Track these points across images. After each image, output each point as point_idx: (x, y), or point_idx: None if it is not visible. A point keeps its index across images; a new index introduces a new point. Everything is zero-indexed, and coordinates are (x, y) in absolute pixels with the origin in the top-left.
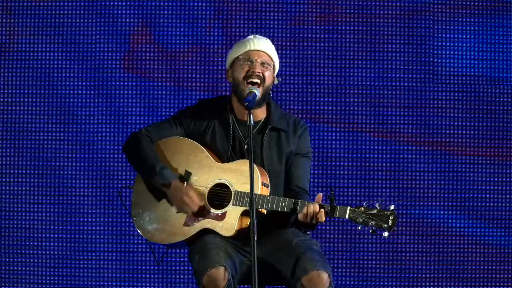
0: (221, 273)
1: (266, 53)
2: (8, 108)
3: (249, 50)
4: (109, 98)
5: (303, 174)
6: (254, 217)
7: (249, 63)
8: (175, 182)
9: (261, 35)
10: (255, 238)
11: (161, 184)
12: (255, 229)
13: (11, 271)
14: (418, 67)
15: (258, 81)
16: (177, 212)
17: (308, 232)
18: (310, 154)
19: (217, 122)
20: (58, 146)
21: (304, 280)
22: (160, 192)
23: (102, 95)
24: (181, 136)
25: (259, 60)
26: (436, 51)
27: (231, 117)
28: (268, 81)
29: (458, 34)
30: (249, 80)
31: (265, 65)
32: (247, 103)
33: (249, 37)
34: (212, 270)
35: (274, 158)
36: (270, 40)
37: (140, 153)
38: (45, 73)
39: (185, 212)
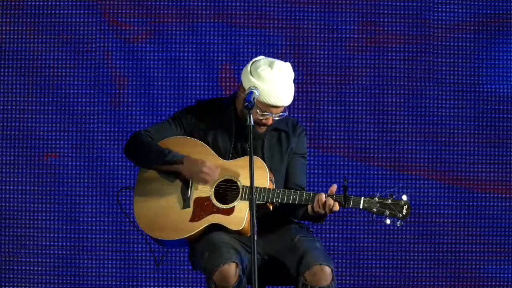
0: (232, 269)
1: (286, 106)
2: (7, 108)
3: (271, 105)
4: (109, 99)
5: (301, 173)
6: (254, 218)
7: (265, 114)
8: (188, 157)
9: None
10: (255, 238)
11: (174, 161)
12: (255, 229)
13: (11, 271)
14: (426, 82)
15: (266, 127)
16: (191, 194)
17: (310, 230)
18: (306, 155)
19: (218, 123)
20: (59, 146)
21: (307, 274)
22: (169, 180)
23: (102, 95)
24: (185, 136)
25: (275, 115)
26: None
27: (233, 117)
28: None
29: (474, 56)
30: (257, 125)
31: (279, 115)
32: (247, 103)
33: (275, 77)
34: (224, 266)
35: (275, 157)
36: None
37: (144, 146)
38: (45, 74)
39: (206, 183)
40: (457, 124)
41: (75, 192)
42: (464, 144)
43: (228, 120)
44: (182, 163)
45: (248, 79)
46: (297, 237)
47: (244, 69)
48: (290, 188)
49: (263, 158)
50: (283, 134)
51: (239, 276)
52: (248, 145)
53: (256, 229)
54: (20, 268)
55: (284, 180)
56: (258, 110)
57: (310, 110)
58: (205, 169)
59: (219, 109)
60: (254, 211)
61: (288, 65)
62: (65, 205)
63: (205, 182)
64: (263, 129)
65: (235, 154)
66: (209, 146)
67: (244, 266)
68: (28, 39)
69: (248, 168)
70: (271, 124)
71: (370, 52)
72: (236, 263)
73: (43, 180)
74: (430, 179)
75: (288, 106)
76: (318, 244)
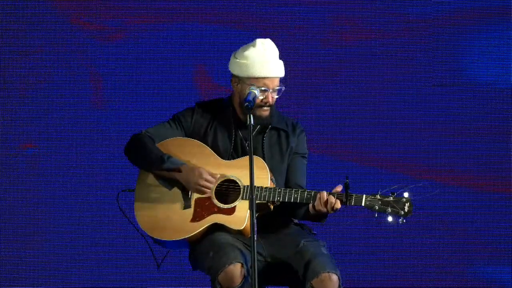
0: (238, 270)
1: (280, 77)
2: (7, 109)
3: (264, 78)
4: (109, 99)
5: (301, 173)
6: (254, 218)
7: (263, 90)
8: (187, 166)
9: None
10: (255, 238)
11: (173, 169)
12: (255, 228)
13: (11, 271)
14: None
15: (268, 109)
16: (192, 194)
17: (313, 232)
18: (307, 156)
19: (218, 123)
20: (58, 147)
21: (314, 282)
22: (169, 181)
23: (104, 95)
24: (186, 137)
25: (271, 90)
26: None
27: (232, 117)
28: (275, 101)
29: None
30: (259, 108)
31: (276, 90)
32: (247, 103)
33: (259, 50)
34: (229, 266)
35: (275, 156)
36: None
37: (144, 148)
38: (44, 74)
39: (203, 193)
40: (457, 124)
41: (76, 192)
42: (464, 144)
43: (228, 120)
44: (180, 171)
45: (235, 63)
46: (303, 241)
47: (230, 59)
48: (291, 188)
49: (263, 158)
50: (282, 134)
51: (244, 276)
52: (248, 144)
53: (256, 229)
54: (20, 268)
55: (284, 180)
56: (256, 88)
57: (308, 111)
58: (201, 182)
59: (218, 109)
60: (254, 211)
61: (268, 40)
62: (66, 205)
63: (202, 193)
64: (266, 111)
65: (235, 154)
66: (209, 147)
67: (249, 267)
68: (26, 39)
69: (248, 167)
70: (273, 105)
71: (369, 52)
72: (242, 264)
73: (43, 181)
74: (430, 179)
75: (287, 106)
76: (324, 250)
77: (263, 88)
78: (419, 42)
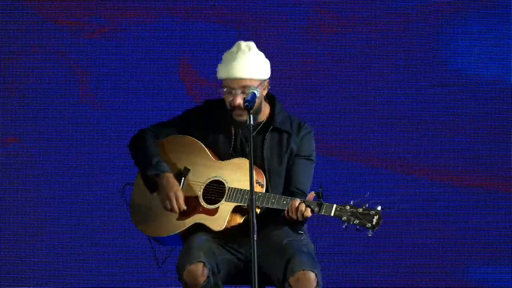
0: (199, 269)
1: (246, 78)
2: (7, 108)
3: (229, 78)
4: (111, 98)
5: (303, 176)
6: (254, 218)
7: (230, 93)
8: (168, 176)
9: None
10: (255, 238)
11: (154, 174)
12: (255, 228)
13: (11, 271)
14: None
15: (242, 112)
16: (163, 206)
17: (300, 232)
18: (312, 157)
19: (220, 122)
20: (58, 147)
21: (291, 280)
22: (154, 184)
23: (103, 95)
24: (185, 135)
25: (239, 90)
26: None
27: (233, 118)
28: (254, 102)
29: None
30: (234, 112)
31: (247, 90)
32: (246, 103)
33: (232, 52)
34: (191, 266)
35: (274, 158)
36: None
37: (141, 147)
38: (44, 74)
39: (165, 209)
40: (457, 124)
41: (76, 192)
42: (464, 144)
43: (228, 120)
44: (161, 178)
45: (218, 66)
46: (285, 241)
47: None
48: (289, 191)
49: (262, 159)
50: (284, 135)
51: (208, 276)
52: (248, 145)
53: (256, 228)
54: (20, 268)
55: (284, 182)
56: (225, 91)
57: (307, 111)
58: (171, 194)
59: (222, 109)
60: (254, 212)
61: (249, 43)
62: (66, 205)
63: (165, 207)
64: (239, 116)
65: (235, 154)
66: (209, 147)
67: (214, 266)
68: (25, 39)
69: (238, 169)
70: (243, 107)
71: (369, 52)
72: (203, 263)
73: (43, 181)
74: (430, 179)
75: (287, 106)
76: (304, 249)
77: (230, 89)
78: (419, 42)
